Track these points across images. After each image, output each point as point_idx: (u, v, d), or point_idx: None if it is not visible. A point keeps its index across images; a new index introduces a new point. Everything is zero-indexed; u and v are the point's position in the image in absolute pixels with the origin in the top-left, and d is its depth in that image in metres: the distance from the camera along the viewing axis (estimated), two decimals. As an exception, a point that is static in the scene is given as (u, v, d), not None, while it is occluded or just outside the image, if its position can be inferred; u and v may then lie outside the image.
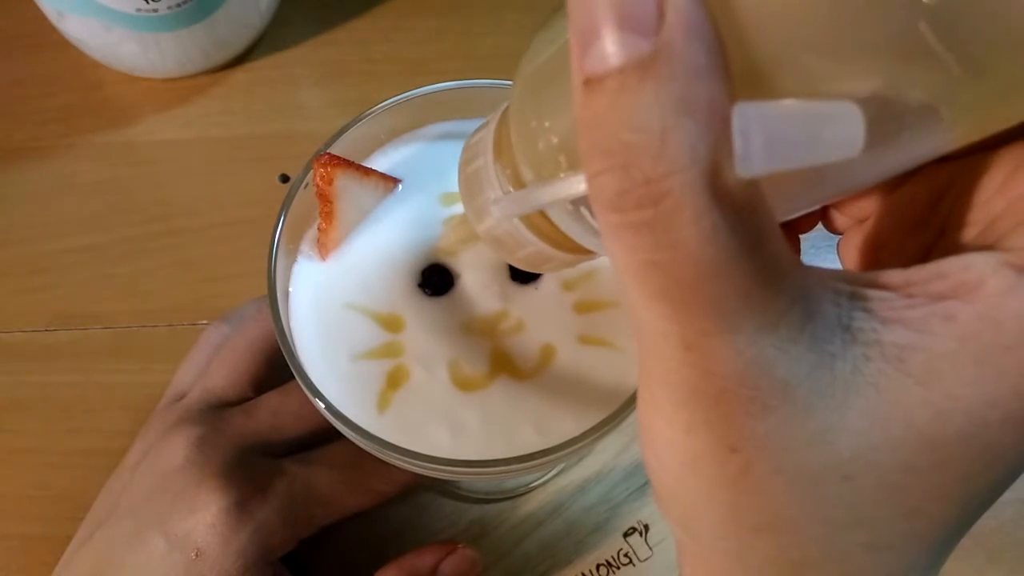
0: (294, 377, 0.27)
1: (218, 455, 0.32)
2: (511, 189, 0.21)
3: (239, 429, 0.33)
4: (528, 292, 0.29)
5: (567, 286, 0.29)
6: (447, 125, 0.32)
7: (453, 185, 0.31)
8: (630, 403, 0.26)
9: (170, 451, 0.32)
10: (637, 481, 0.39)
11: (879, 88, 0.14)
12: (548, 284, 0.29)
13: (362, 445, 0.26)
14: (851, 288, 0.15)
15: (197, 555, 0.30)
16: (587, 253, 0.22)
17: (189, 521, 0.30)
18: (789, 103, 0.14)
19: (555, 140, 0.18)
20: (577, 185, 0.17)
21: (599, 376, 0.28)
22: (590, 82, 0.14)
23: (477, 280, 0.29)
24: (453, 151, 0.32)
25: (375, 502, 0.34)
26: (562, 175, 0.18)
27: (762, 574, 0.17)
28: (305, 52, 0.52)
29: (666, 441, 0.17)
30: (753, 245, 0.14)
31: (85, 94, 0.50)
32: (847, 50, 0.14)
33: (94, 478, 0.36)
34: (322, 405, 0.26)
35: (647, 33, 0.13)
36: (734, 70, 0.14)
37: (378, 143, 0.32)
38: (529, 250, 0.23)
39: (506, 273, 0.29)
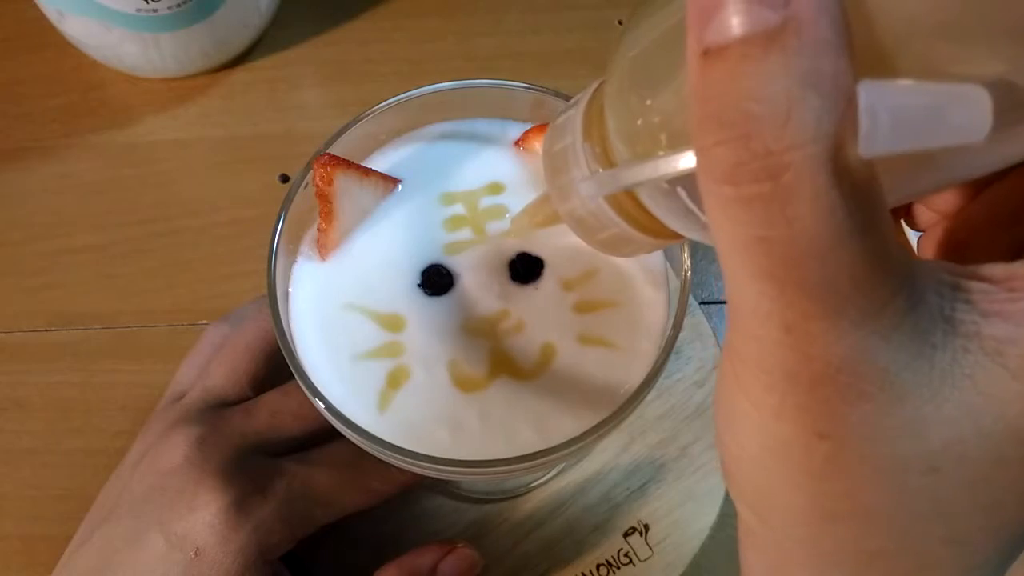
0: (294, 377, 0.27)
1: (217, 454, 0.32)
2: (599, 168, 0.21)
3: (238, 429, 0.33)
4: (528, 292, 0.29)
5: (567, 286, 0.29)
6: (447, 125, 0.32)
7: (453, 185, 0.31)
8: (630, 403, 0.26)
9: (170, 450, 0.32)
10: (637, 481, 0.39)
11: (1007, 73, 0.14)
12: (548, 284, 0.29)
13: (362, 445, 0.26)
14: (953, 279, 0.15)
15: (196, 554, 0.30)
16: (670, 237, 0.22)
17: (188, 520, 0.30)
18: (916, 83, 0.13)
19: (657, 119, 0.18)
20: (678, 162, 0.16)
21: (599, 376, 0.28)
22: (709, 52, 0.14)
23: (477, 280, 0.29)
24: (453, 151, 0.32)
25: (375, 502, 0.34)
26: (661, 153, 0.18)
27: (836, 562, 0.17)
28: (305, 52, 0.52)
29: (750, 424, 0.16)
30: (867, 227, 0.14)
31: (85, 94, 0.50)
32: (976, 32, 0.14)
33: (94, 478, 0.36)
34: (322, 405, 0.26)
35: (775, 5, 0.13)
36: (858, 47, 0.13)
37: (378, 143, 0.32)
38: (611, 232, 0.23)
39: (506, 273, 0.29)
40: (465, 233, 0.30)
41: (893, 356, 0.15)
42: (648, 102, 0.18)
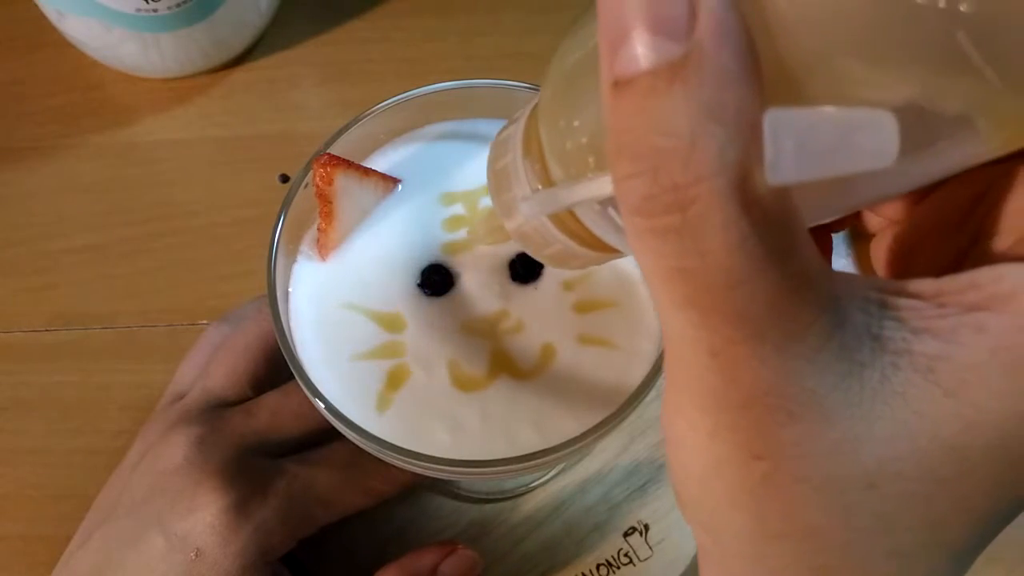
0: (294, 377, 0.27)
1: (217, 455, 0.32)
2: (539, 186, 0.21)
3: (238, 429, 0.33)
4: (528, 292, 0.29)
5: (567, 286, 0.29)
6: (447, 125, 0.32)
7: (453, 185, 0.31)
8: (630, 403, 0.26)
9: (170, 451, 0.32)
10: (637, 481, 0.39)
11: (914, 97, 0.14)
12: (548, 284, 0.29)
13: (362, 445, 0.26)
14: (881, 296, 0.15)
15: (196, 555, 0.30)
16: (614, 252, 0.22)
17: (188, 521, 0.30)
18: (821, 110, 0.14)
19: (584, 140, 0.18)
20: (605, 186, 0.16)
21: (599, 376, 0.28)
22: (619, 84, 0.14)
23: (477, 280, 0.29)
24: (453, 151, 0.32)
25: (375, 502, 0.34)
26: (590, 175, 0.18)
27: None
28: (305, 52, 0.52)
29: (690, 446, 0.17)
30: (781, 254, 0.14)
31: (85, 94, 0.50)
32: (881, 58, 0.14)
33: (94, 478, 0.36)
34: (322, 405, 0.26)
35: (678, 36, 0.13)
36: (766, 74, 0.13)
37: (378, 143, 0.32)
38: (557, 247, 0.23)
39: (506, 273, 0.29)
40: (465, 233, 0.30)
41: (820, 377, 0.15)
42: (576, 123, 0.18)
